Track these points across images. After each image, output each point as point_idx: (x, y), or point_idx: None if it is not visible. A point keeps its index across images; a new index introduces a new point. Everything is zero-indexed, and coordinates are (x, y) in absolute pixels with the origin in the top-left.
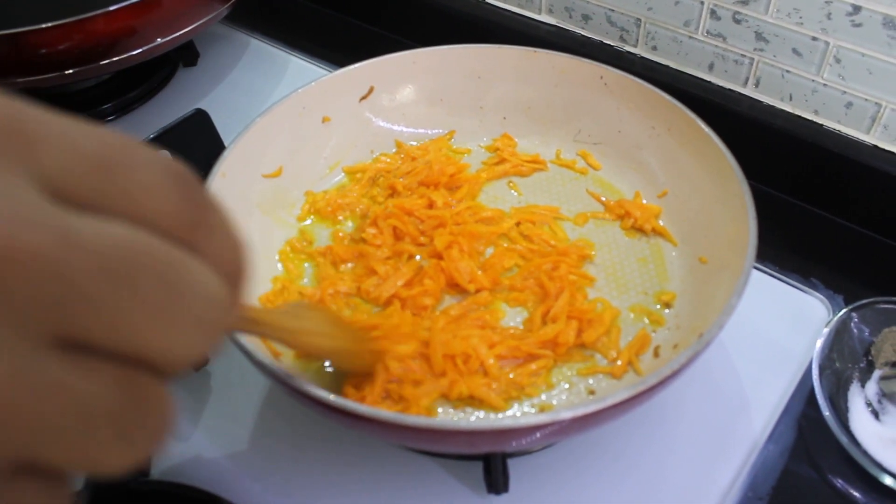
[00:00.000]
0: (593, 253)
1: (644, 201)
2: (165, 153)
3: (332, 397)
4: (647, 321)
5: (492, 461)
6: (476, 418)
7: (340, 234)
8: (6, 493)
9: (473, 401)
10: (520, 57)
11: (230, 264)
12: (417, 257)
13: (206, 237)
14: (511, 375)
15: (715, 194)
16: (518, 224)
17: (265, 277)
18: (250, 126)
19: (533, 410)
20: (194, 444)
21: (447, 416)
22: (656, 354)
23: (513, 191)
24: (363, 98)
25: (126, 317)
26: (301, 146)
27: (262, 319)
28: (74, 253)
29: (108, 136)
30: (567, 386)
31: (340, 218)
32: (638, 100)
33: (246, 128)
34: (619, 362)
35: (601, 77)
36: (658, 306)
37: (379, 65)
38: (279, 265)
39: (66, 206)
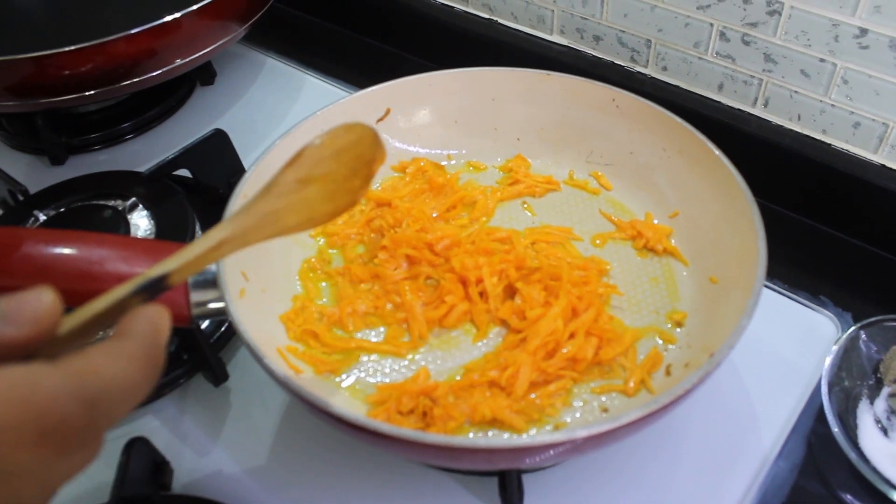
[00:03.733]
0: (608, 268)
1: (655, 221)
2: None
3: (353, 415)
4: (659, 340)
5: (507, 477)
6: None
7: (358, 253)
8: None
9: (496, 423)
10: (533, 80)
11: None
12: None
13: None
14: (532, 396)
15: (724, 214)
16: (533, 244)
17: (285, 296)
18: (271, 148)
19: (548, 428)
20: (214, 459)
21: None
22: (668, 373)
23: (526, 211)
24: (380, 120)
25: None
26: None
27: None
28: None
29: None
30: (581, 403)
31: (352, 237)
32: (649, 122)
33: (266, 149)
34: (631, 382)
35: (613, 99)
36: (669, 325)
37: (395, 87)
38: (298, 284)
39: None
